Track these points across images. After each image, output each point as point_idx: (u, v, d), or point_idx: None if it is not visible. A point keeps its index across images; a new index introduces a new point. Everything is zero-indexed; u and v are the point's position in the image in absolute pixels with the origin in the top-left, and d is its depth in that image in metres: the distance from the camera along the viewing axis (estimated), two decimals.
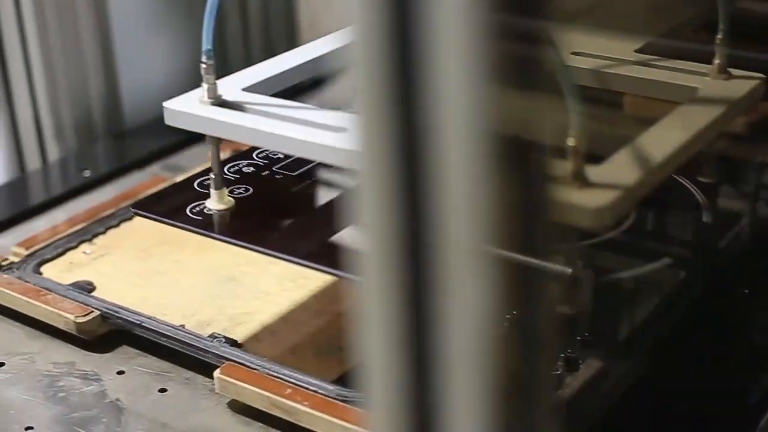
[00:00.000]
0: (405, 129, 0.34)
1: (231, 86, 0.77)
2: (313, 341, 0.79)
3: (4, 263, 0.88)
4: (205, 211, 0.79)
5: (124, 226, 0.95)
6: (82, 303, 0.82)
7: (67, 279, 0.87)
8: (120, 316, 0.80)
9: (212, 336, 0.78)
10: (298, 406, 0.70)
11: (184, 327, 0.79)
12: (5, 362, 0.80)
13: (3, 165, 1.12)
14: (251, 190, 0.81)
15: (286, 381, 0.72)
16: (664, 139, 0.65)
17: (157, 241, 0.92)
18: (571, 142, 0.58)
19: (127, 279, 0.87)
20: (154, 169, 1.09)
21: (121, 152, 1.15)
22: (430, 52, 0.32)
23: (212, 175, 0.79)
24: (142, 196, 0.93)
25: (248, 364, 0.74)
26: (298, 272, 0.87)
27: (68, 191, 1.05)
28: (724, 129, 0.73)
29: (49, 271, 0.88)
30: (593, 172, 0.60)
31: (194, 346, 0.77)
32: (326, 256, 0.72)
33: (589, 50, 0.77)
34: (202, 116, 0.74)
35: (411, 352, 0.36)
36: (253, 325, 0.81)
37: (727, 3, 0.73)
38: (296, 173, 0.84)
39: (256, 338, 0.79)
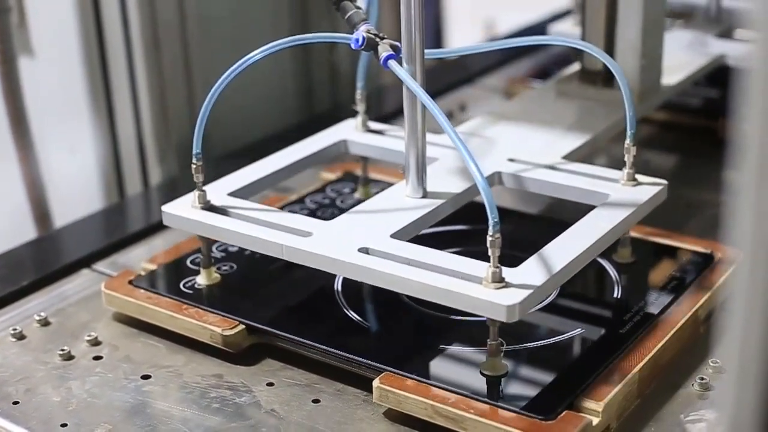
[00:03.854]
0: None
1: (218, 191, 0.87)
2: None
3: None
4: (195, 286, 0.86)
5: None
6: (226, 316, 0.82)
7: None
8: (266, 328, 0.81)
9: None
10: (464, 413, 0.70)
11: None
12: (151, 375, 0.81)
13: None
14: (235, 267, 0.90)
15: (448, 390, 0.73)
16: (574, 242, 0.77)
17: None
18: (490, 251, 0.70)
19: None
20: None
21: None
22: None
23: (201, 256, 0.88)
24: None
25: (405, 374, 0.75)
26: None
27: None
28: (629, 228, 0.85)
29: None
30: (509, 273, 0.71)
31: (346, 357, 0.78)
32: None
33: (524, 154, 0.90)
34: (193, 219, 0.84)
35: None
36: None
37: (633, 114, 0.84)
38: None
39: None
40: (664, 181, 0.86)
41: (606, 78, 1.04)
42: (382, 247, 0.77)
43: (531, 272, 0.72)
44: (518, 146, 0.93)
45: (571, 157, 0.92)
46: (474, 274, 0.72)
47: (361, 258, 0.76)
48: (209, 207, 0.84)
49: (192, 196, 0.85)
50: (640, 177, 0.85)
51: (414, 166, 0.83)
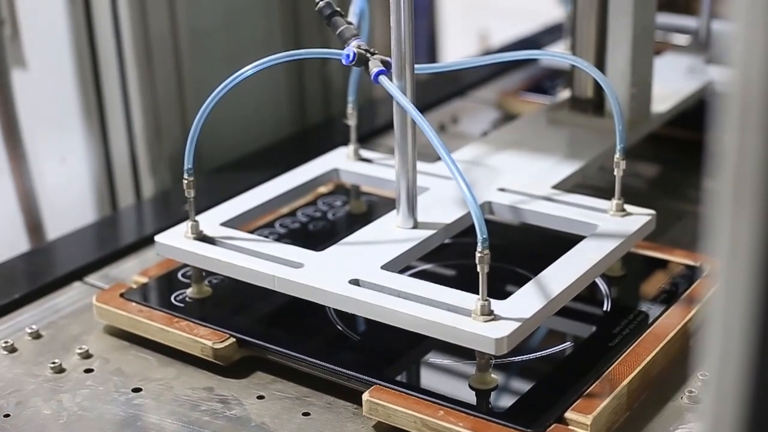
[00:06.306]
0: None
1: (211, 221, 0.87)
2: None
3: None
4: (186, 299, 0.87)
5: None
6: (216, 329, 0.83)
7: None
8: (256, 342, 0.82)
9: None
10: (453, 427, 0.71)
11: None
12: (142, 388, 0.81)
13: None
14: (225, 280, 0.89)
15: (436, 403, 0.73)
16: (563, 274, 0.77)
17: None
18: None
19: None
20: None
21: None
22: None
23: (192, 270, 0.88)
24: None
25: (394, 387, 0.75)
26: None
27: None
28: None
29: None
30: (498, 306, 0.72)
31: (336, 370, 0.78)
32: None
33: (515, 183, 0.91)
34: (186, 250, 0.85)
35: None
36: None
37: (623, 128, 0.83)
38: None
39: None
40: (652, 211, 0.86)
41: (596, 106, 1.05)
42: (373, 278, 0.77)
43: (520, 305, 0.73)
44: (508, 176, 0.94)
45: (561, 186, 0.92)
46: (463, 306, 0.73)
47: (351, 290, 0.77)
48: (202, 237, 0.85)
49: (185, 226, 0.86)
50: (628, 207, 0.86)
51: (405, 196, 0.83)
